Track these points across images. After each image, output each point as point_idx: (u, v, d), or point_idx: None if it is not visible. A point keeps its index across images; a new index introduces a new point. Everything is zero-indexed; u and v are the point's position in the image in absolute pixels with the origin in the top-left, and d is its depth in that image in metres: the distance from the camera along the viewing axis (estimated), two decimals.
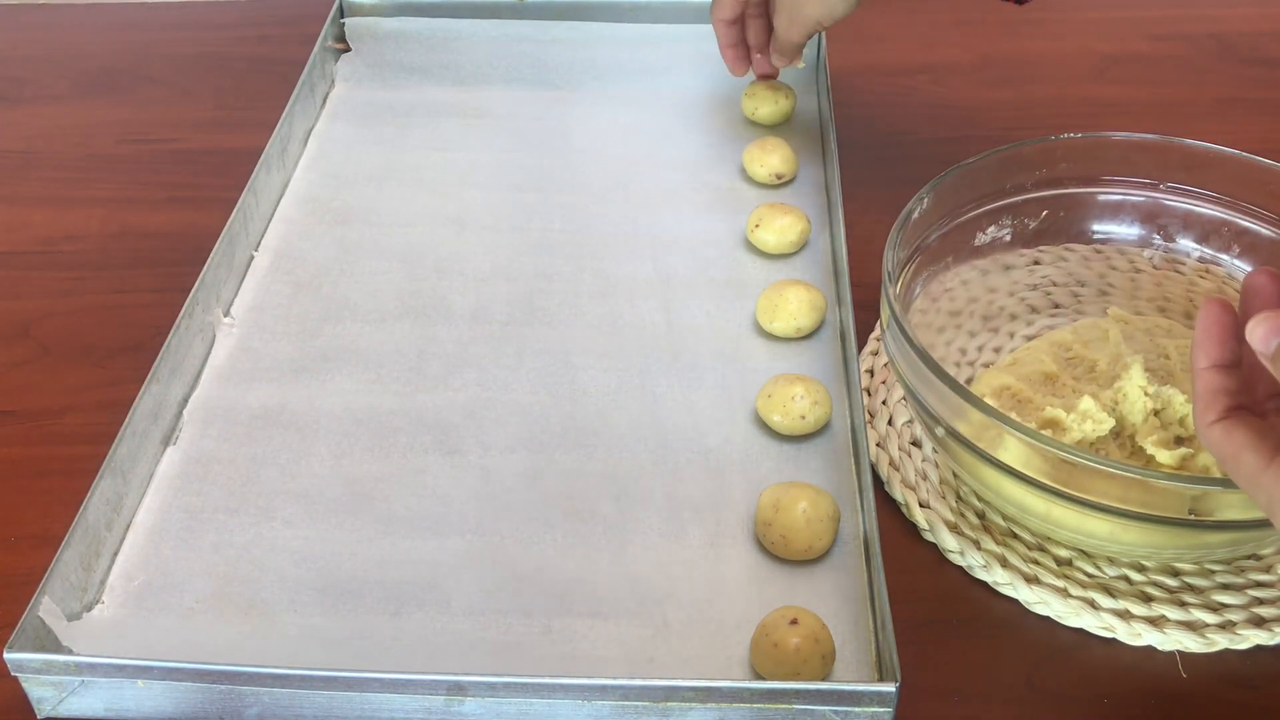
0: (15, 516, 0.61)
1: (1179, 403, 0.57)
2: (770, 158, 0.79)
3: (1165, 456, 0.55)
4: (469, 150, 0.84)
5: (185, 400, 0.65)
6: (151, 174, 0.84)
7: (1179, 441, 0.57)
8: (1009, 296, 0.69)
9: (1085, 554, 0.58)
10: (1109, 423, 0.56)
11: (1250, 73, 0.93)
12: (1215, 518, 0.49)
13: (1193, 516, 0.49)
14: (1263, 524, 0.50)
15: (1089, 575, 0.57)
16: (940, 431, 0.54)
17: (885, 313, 0.57)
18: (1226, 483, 0.51)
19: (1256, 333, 0.43)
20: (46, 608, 0.52)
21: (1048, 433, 0.56)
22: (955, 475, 0.61)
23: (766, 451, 0.62)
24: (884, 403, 0.65)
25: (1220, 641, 0.54)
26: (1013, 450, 0.52)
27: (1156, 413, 0.58)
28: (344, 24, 0.92)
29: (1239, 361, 0.46)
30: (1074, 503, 0.51)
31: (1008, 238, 0.67)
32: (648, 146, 0.84)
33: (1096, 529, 0.53)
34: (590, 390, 0.66)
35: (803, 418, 0.62)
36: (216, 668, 0.49)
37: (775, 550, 0.57)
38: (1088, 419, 0.56)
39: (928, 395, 0.54)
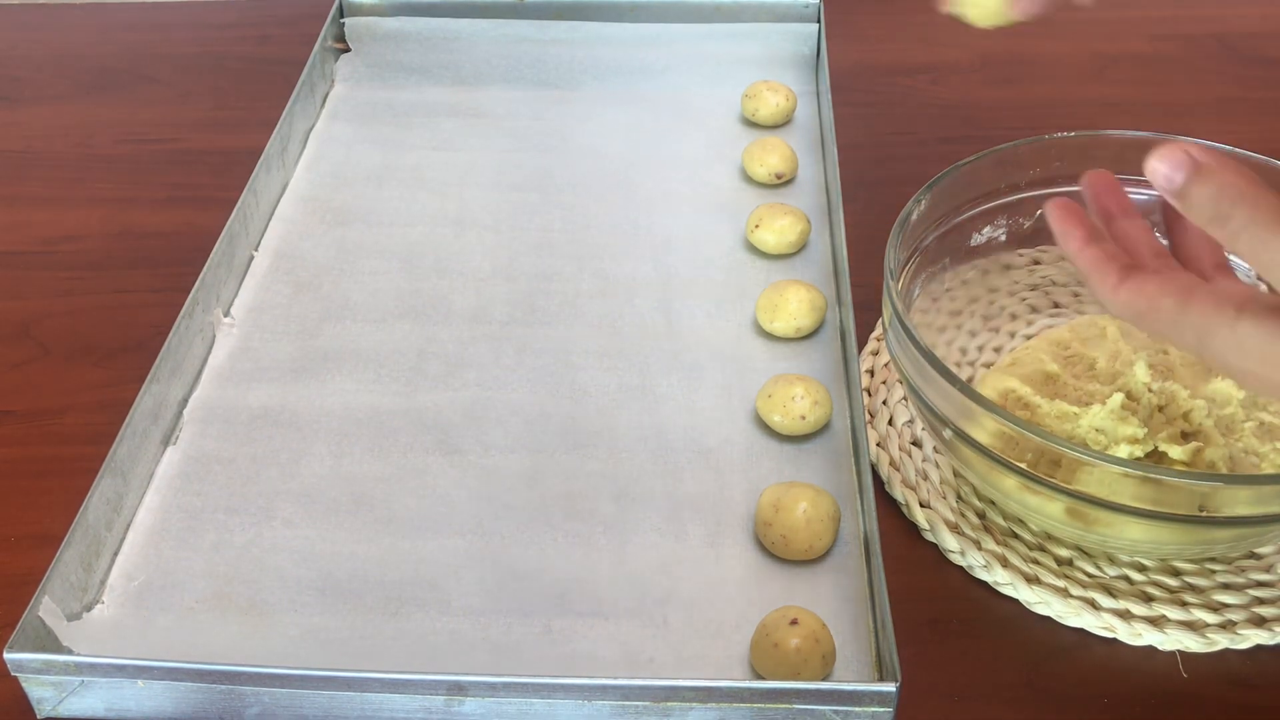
0: (15, 516, 0.61)
1: (1183, 398, 0.57)
2: (770, 158, 0.79)
3: (1177, 452, 0.55)
4: (469, 150, 0.84)
5: (185, 400, 0.65)
6: (151, 174, 0.84)
7: (1185, 436, 0.57)
8: (1009, 296, 0.69)
9: (1086, 554, 0.58)
10: (1142, 432, 0.56)
11: (1250, 73, 0.93)
12: (1224, 514, 0.49)
13: (1202, 513, 0.49)
14: (1268, 520, 0.50)
15: (1089, 575, 0.57)
16: (947, 433, 0.54)
17: (887, 312, 0.57)
18: (1237, 479, 0.51)
19: (1159, 170, 0.42)
20: (46, 608, 0.52)
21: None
22: (956, 475, 0.61)
23: (766, 451, 0.62)
24: (884, 403, 0.65)
25: (1221, 641, 0.54)
26: (1026, 453, 0.52)
27: (1160, 408, 0.58)
28: (344, 24, 0.92)
29: (1104, 235, 0.47)
30: (1086, 502, 0.51)
31: (1004, 237, 0.67)
32: (648, 146, 0.84)
33: (1105, 528, 0.53)
34: (590, 390, 0.66)
35: (803, 418, 0.62)
36: (216, 668, 0.49)
37: (775, 550, 0.57)
38: (1124, 441, 0.56)
39: (932, 396, 0.54)
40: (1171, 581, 0.57)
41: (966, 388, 0.52)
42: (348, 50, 0.92)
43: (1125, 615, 0.55)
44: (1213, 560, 0.58)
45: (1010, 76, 0.93)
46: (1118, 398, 0.57)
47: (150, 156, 0.85)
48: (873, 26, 0.98)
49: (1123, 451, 0.55)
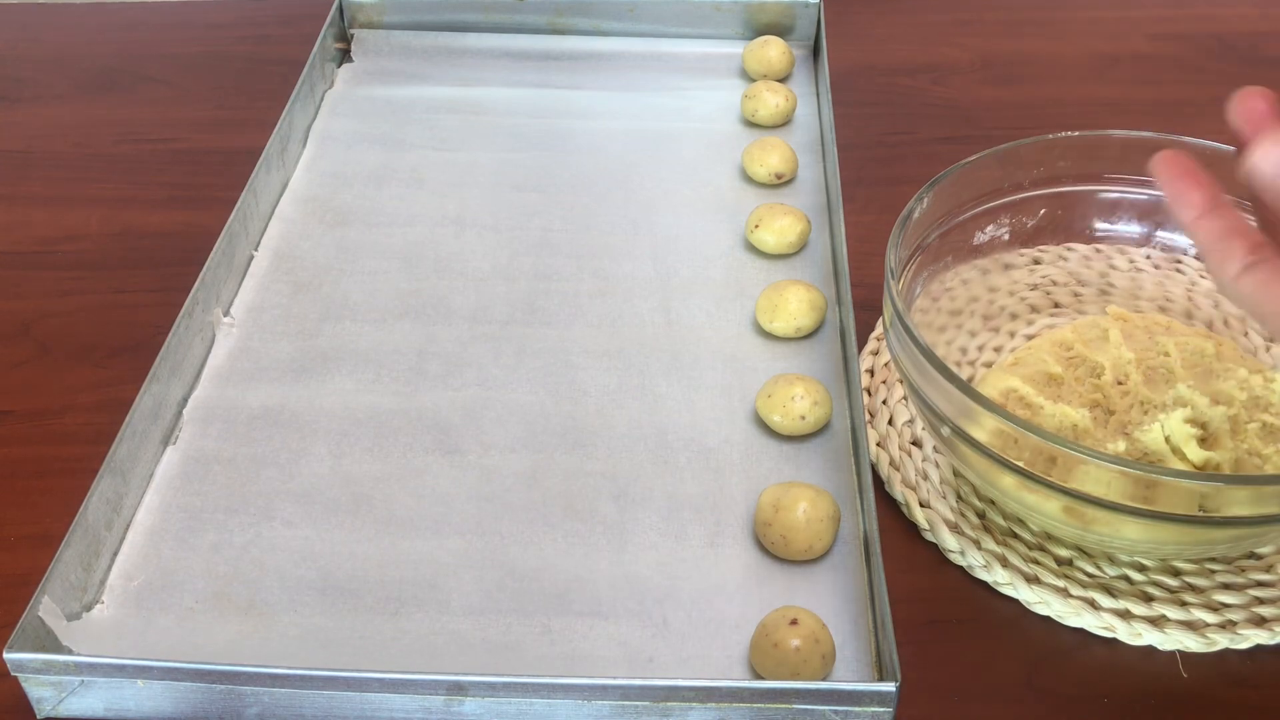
0: (15, 516, 0.61)
1: (1203, 405, 0.57)
2: (770, 158, 0.79)
3: (1196, 456, 0.55)
4: (469, 150, 0.84)
5: (185, 400, 0.65)
6: (151, 174, 0.84)
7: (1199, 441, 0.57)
8: (1009, 296, 0.69)
9: (1086, 554, 0.58)
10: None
11: (1250, 73, 0.93)
12: (1223, 514, 0.49)
13: (1202, 513, 0.49)
14: (1267, 520, 0.50)
15: (1089, 575, 0.57)
16: (946, 431, 0.54)
17: (888, 311, 0.57)
18: (1236, 479, 0.51)
19: (1266, 162, 0.37)
20: (46, 608, 0.52)
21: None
22: (956, 475, 0.61)
23: (766, 451, 0.62)
24: (884, 402, 0.65)
25: (1221, 641, 0.54)
26: (1025, 452, 0.52)
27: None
28: (345, 24, 0.92)
29: (1221, 203, 0.40)
30: (1084, 501, 0.51)
31: (1006, 237, 0.67)
32: (648, 146, 0.84)
33: (1103, 527, 0.53)
34: (590, 390, 0.66)
35: (803, 418, 0.62)
36: (216, 668, 0.49)
37: (775, 550, 0.57)
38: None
39: (932, 395, 0.54)
40: (1171, 581, 0.57)
41: (966, 386, 0.52)
42: (348, 50, 0.92)
43: (1125, 615, 0.55)
44: (1213, 560, 0.58)
45: (1010, 76, 0.93)
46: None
47: (150, 156, 0.85)
48: (873, 26, 0.98)
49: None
